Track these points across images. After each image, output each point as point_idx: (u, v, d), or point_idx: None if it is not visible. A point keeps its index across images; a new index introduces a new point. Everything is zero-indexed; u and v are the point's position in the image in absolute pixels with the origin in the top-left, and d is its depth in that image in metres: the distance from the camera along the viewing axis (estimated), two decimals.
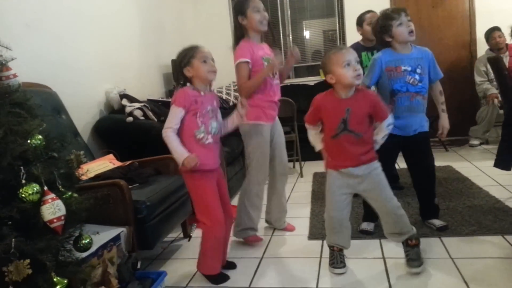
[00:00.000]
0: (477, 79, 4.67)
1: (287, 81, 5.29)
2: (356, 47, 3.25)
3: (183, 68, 1.92)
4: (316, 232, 2.57)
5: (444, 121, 2.37)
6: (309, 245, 2.44)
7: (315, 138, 2.04)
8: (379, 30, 2.30)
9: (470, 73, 4.96)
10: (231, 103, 4.65)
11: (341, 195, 1.96)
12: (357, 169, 1.91)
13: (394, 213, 1.93)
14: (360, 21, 3.31)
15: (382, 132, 1.93)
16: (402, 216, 1.95)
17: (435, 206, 2.47)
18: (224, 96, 4.70)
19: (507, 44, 4.43)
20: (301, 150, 4.13)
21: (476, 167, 3.75)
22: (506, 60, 4.19)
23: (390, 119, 1.92)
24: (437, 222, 2.42)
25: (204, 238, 2.01)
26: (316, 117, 1.97)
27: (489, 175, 3.40)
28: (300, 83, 5.30)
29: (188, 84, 1.96)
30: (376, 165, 1.94)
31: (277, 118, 2.52)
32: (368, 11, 3.29)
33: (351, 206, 2.02)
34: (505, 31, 4.24)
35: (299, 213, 2.97)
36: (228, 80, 5.27)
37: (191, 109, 1.89)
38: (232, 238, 2.36)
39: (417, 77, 2.24)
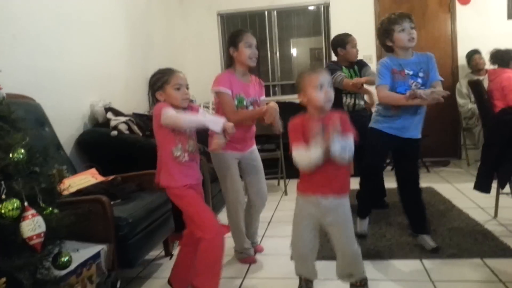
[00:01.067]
0: (460, 101, 4.80)
1: (273, 98, 5.34)
2: (335, 66, 3.35)
3: (155, 91, 1.90)
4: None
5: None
6: (291, 265, 2.41)
7: (304, 155, 1.75)
8: (381, 33, 2.34)
9: (452, 95, 5.08)
10: None
11: (307, 225, 1.85)
12: (325, 200, 1.78)
13: (351, 255, 1.83)
14: (343, 43, 3.32)
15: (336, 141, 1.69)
16: (358, 259, 1.86)
17: (425, 218, 2.48)
18: (211, 112, 4.70)
19: (486, 70, 4.56)
20: (286, 168, 4.14)
21: (457, 189, 3.82)
22: (485, 84, 4.30)
23: (349, 142, 1.71)
24: (431, 242, 2.41)
25: (206, 253, 1.87)
26: (301, 135, 1.78)
27: (469, 197, 3.47)
28: (286, 101, 5.34)
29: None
30: (345, 201, 1.83)
31: (252, 148, 2.51)
32: (348, 34, 3.36)
33: (318, 244, 1.91)
34: (485, 56, 4.38)
35: (283, 232, 2.95)
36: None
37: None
38: None
39: (419, 80, 2.28)
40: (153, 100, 1.95)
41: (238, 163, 2.46)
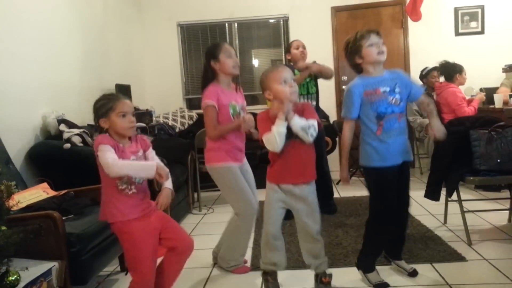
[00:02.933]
0: (410, 117, 4.98)
1: None
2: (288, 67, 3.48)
3: (99, 118, 1.79)
4: (258, 262, 2.57)
5: (437, 123, 2.23)
6: (251, 276, 2.44)
7: (271, 134, 1.91)
8: (350, 51, 2.18)
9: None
10: (177, 129, 4.62)
11: (278, 208, 2.04)
12: (297, 188, 2.00)
13: (316, 234, 2.04)
14: (288, 48, 3.60)
15: (301, 122, 1.90)
16: (320, 242, 2.08)
17: (404, 242, 2.38)
18: (171, 123, 4.66)
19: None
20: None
21: (410, 196, 3.96)
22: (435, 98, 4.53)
23: (314, 123, 1.92)
24: (407, 267, 2.32)
25: None
26: (269, 124, 1.93)
27: (421, 204, 3.61)
28: (248, 111, 5.39)
29: (106, 133, 1.81)
30: (313, 188, 2.05)
31: (245, 159, 2.55)
32: (294, 40, 3.61)
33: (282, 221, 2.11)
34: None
35: (250, 241, 2.96)
36: (175, 106, 5.27)
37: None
38: None
39: (397, 96, 2.11)
40: (96, 128, 1.84)
41: None
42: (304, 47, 3.48)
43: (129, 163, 1.76)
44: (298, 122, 1.88)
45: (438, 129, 2.19)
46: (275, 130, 1.88)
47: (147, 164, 1.81)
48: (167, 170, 1.80)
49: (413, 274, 2.28)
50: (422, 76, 4.91)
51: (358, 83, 2.15)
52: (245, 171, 2.53)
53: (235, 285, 2.36)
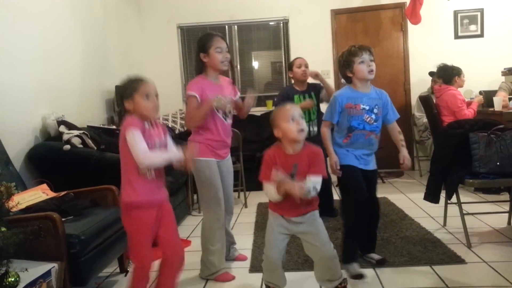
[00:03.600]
0: (417, 113, 5.02)
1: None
2: (289, 90, 3.51)
3: (123, 99, 1.82)
4: (257, 264, 2.57)
5: (405, 153, 2.41)
6: (249, 278, 2.44)
7: (272, 192, 1.89)
8: (342, 64, 2.39)
9: (405, 109, 5.33)
10: (176, 131, 4.62)
11: (279, 234, 1.96)
12: (299, 218, 1.93)
13: (328, 259, 1.93)
14: (290, 66, 3.55)
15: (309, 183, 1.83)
16: (336, 262, 1.96)
17: (375, 239, 2.54)
18: (170, 124, 4.67)
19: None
20: (246, 180, 4.16)
21: (410, 199, 3.98)
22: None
23: (319, 182, 1.85)
24: (375, 256, 2.48)
25: (131, 278, 1.89)
26: (271, 169, 1.89)
27: (421, 207, 3.62)
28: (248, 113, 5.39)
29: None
30: (316, 213, 1.96)
31: (228, 156, 2.54)
32: (297, 58, 3.53)
33: (285, 249, 2.03)
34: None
35: (241, 245, 2.96)
36: (174, 107, 5.27)
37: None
38: None
39: (373, 116, 2.34)
40: (121, 109, 1.86)
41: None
42: (306, 66, 3.43)
43: (158, 155, 1.80)
44: (307, 188, 1.82)
45: (406, 159, 2.40)
46: (271, 196, 1.89)
47: (174, 155, 1.85)
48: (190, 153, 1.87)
49: (381, 262, 2.43)
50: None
51: (343, 94, 2.36)
52: (226, 168, 2.51)
53: (236, 286, 2.35)
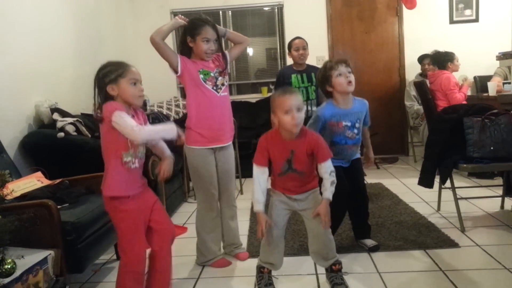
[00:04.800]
0: (407, 103, 5.04)
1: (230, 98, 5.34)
2: (286, 69, 3.51)
3: (106, 84, 1.71)
4: (254, 250, 2.59)
5: (370, 153, 2.63)
6: (246, 263, 2.46)
7: (259, 193, 1.93)
8: (321, 81, 2.39)
9: (400, 95, 5.34)
10: (171, 119, 4.60)
11: (281, 210, 2.01)
12: (299, 195, 1.98)
13: (324, 234, 1.97)
14: (289, 47, 3.52)
15: (327, 182, 1.91)
16: (331, 241, 2.02)
17: (367, 225, 2.58)
18: (165, 112, 4.64)
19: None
20: (241, 167, 4.16)
21: (404, 184, 4.01)
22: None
23: (331, 165, 1.93)
24: (369, 242, 2.51)
25: (118, 274, 1.82)
26: (265, 157, 1.94)
27: (415, 192, 3.65)
28: (242, 100, 5.38)
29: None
30: (316, 190, 2.01)
31: (228, 143, 2.43)
32: (296, 38, 3.48)
33: (286, 225, 2.08)
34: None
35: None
36: (169, 95, 5.24)
37: None
38: None
39: (355, 131, 2.37)
40: (101, 95, 1.73)
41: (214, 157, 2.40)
42: (304, 48, 3.39)
43: (152, 128, 1.75)
44: (331, 188, 1.92)
45: (369, 156, 2.63)
46: (254, 199, 1.94)
47: (168, 126, 1.79)
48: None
49: (374, 248, 2.46)
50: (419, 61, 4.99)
51: (326, 112, 2.35)
52: (224, 158, 2.42)
53: (232, 271, 2.37)
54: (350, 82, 2.29)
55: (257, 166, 1.94)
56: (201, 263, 2.45)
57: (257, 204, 1.92)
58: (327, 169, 1.91)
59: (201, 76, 2.29)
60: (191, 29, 2.29)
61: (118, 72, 1.72)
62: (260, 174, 1.94)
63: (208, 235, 2.43)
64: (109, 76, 1.71)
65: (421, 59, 5.00)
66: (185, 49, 2.35)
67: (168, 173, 1.91)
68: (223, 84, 2.37)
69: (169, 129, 1.78)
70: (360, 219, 2.57)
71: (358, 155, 2.52)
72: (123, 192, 1.76)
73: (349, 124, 2.34)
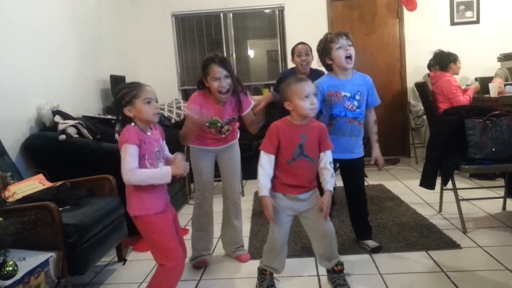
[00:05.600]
0: (413, 101, 5.04)
1: None
2: (288, 73, 3.37)
3: (123, 107, 1.74)
4: (255, 251, 2.59)
5: (377, 152, 2.48)
6: (247, 265, 2.46)
7: (265, 178, 1.92)
8: (321, 53, 2.37)
9: (401, 96, 5.35)
10: (173, 121, 4.61)
11: (286, 216, 1.99)
12: (303, 195, 1.97)
13: (328, 235, 1.98)
14: (292, 53, 3.42)
15: (328, 174, 1.93)
16: (334, 241, 2.02)
17: (368, 226, 2.57)
18: (166, 114, 4.64)
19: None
20: (243, 169, 4.13)
21: (406, 185, 4.00)
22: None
23: (331, 155, 1.97)
24: (371, 243, 2.49)
25: (160, 279, 1.80)
26: (275, 143, 1.92)
27: (416, 193, 3.64)
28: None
29: (132, 124, 1.75)
30: (316, 189, 2.02)
31: (230, 144, 2.46)
32: (299, 43, 3.39)
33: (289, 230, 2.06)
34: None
35: None
36: (170, 97, 5.24)
37: (140, 150, 1.71)
38: None
39: (355, 103, 2.31)
40: (121, 117, 1.77)
41: (214, 157, 2.48)
42: (307, 54, 3.29)
43: (146, 173, 1.71)
44: (331, 180, 1.94)
45: (376, 157, 2.48)
46: (260, 184, 1.91)
47: (163, 171, 1.75)
48: (184, 163, 1.79)
49: (376, 250, 2.44)
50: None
51: (324, 82, 2.32)
52: (227, 156, 2.46)
53: (234, 272, 2.37)
54: (349, 56, 2.27)
55: (265, 153, 1.91)
56: (189, 260, 2.46)
57: (263, 188, 1.89)
58: (329, 158, 1.95)
59: (207, 124, 2.29)
60: (202, 70, 2.30)
61: (132, 94, 1.74)
62: (267, 162, 1.91)
63: (198, 233, 2.47)
64: (124, 99, 1.74)
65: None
66: (202, 87, 2.34)
67: (185, 167, 1.84)
68: (228, 131, 2.39)
69: (164, 175, 1.73)
70: (360, 220, 2.56)
71: (360, 152, 2.44)
72: (147, 211, 1.75)
73: (348, 94, 2.30)
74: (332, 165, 1.97)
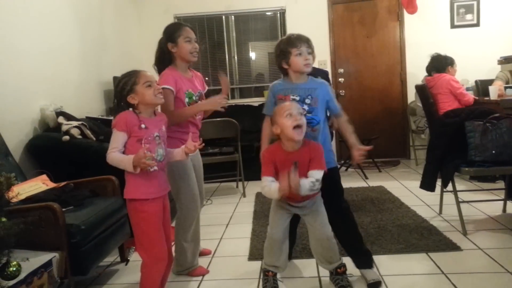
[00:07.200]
0: (418, 103, 5.04)
1: (232, 101, 5.38)
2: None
3: (126, 96, 1.78)
4: (256, 252, 2.61)
5: (353, 140, 2.16)
6: (249, 266, 2.47)
7: (271, 190, 1.87)
8: (278, 54, 2.13)
9: (401, 98, 5.36)
10: None
11: (283, 213, 2.02)
12: (297, 203, 1.99)
13: (326, 239, 2.00)
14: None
15: (307, 183, 1.83)
16: (333, 245, 2.03)
17: (364, 252, 2.20)
18: None
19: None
20: (244, 170, 4.18)
21: (406, 187, 4.02)
22: None
23: (318, 174, 1.87)
24: (370, 276, 2.14)
25: (142, 276, 1.87)
26: (272, 168, 1.92)
27: (417, 195, 3.66)
28: (245, 104, 5.41)
29: (130, 109, 1.80)
30: (318, 197, 2.02)
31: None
32: None
33: (289, 227, 2.08)
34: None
35: (240, 234, 3.00)
36: None
37: (133, 135, 1.76)
38: None
39: (306, 107, 2.07)
40: (124, 106, 1.81)
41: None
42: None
43: (115, 157, 1.75)
44: (305, 188, 1.82)
45: (354, 157, 2.13)
46: (269, 195, 1.89)
47: (126, 159, 1.74)
48: (139, 156, 1.74)
49: (373, 286, 2.10)
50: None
51: (276, 85, 2.17)
52: (197, 162, 2.45)
53: (235, 273, 2.38)
54: (308, 64, 2.08)
55: (266, 177, 1.90)
56: (177, 272, 2.37)
57: (273, 189, 1.84)
58: (315, 175, 1.85)
59: (186, 99, 2.25)
60: (170, 34, 2.25)
61: (132, 81, 1.79)
62: (270, 182, 1.88)
63: (189, 244, 2.34)
64: (125, 88, 1.79)
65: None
66: (165, 60, 2.29)
67: (194, 146, 1.90)
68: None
69: (125, 164, 1.74)
70: (351, 247, 2.20)
71: (332, 162, 2.13)
72: (141, 195, 1.79)
73: (297, 98, 2.08)
74: (318, 184, 1.86)
